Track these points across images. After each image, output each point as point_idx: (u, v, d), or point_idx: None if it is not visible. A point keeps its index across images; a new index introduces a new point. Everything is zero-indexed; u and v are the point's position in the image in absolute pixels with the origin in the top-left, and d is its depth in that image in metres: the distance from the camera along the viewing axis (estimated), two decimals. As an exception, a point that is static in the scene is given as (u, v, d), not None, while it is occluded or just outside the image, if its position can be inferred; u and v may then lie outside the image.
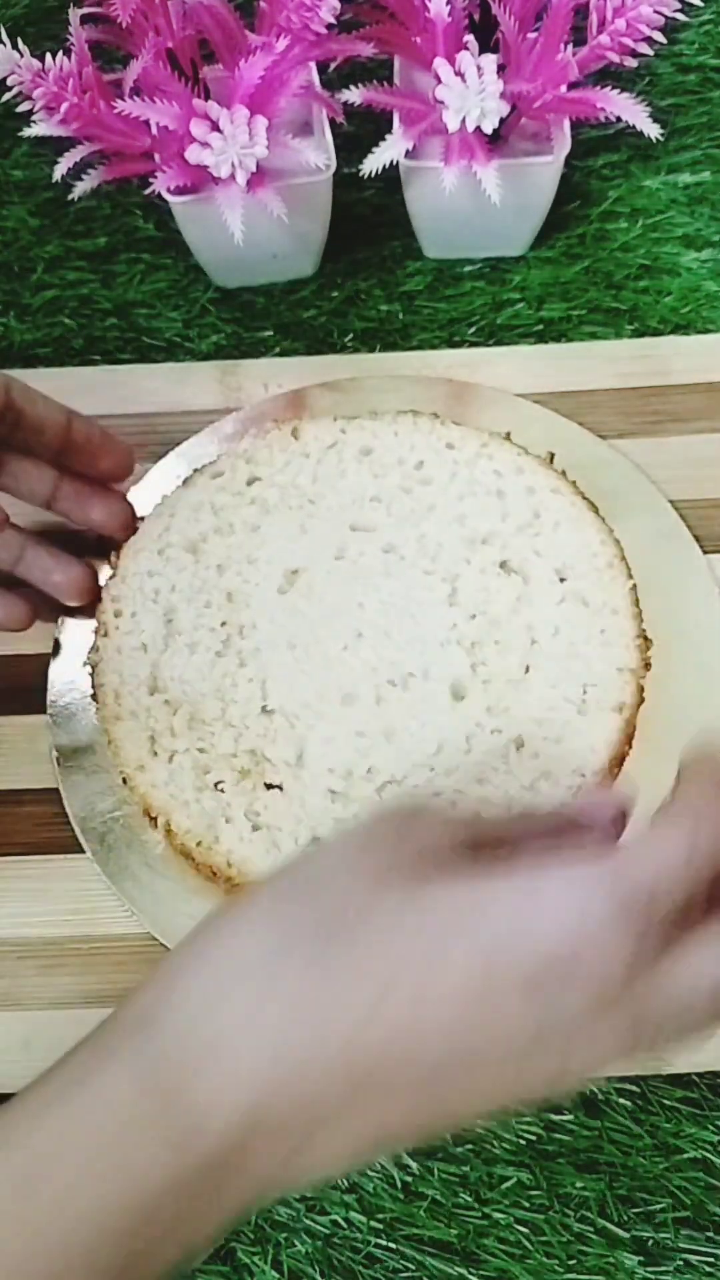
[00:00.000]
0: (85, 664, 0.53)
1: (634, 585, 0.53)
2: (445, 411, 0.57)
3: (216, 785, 0.49)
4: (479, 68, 0.55)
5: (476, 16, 0.57)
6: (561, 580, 0.53)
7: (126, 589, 0.53)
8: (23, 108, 0.56)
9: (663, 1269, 0.46)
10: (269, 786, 0.49)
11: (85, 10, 0.56)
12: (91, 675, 0.52)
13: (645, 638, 0.52)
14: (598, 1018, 0.32)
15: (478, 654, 0.51)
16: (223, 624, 0.52)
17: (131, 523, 0.55)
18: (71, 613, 0.55)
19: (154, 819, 0.50)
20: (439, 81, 0.55)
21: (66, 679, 0.54)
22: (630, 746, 0.51)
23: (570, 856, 0.33)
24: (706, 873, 0.34)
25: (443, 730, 0.50)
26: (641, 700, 0.51)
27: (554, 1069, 0.33)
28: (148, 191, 0.57)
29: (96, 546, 0.55)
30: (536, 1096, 0.35)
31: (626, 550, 0.54)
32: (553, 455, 0.56)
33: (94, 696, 0.52)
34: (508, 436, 0.56)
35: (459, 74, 0.55)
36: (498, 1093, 0.33)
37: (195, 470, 0.56)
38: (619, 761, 0.50)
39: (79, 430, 0.51)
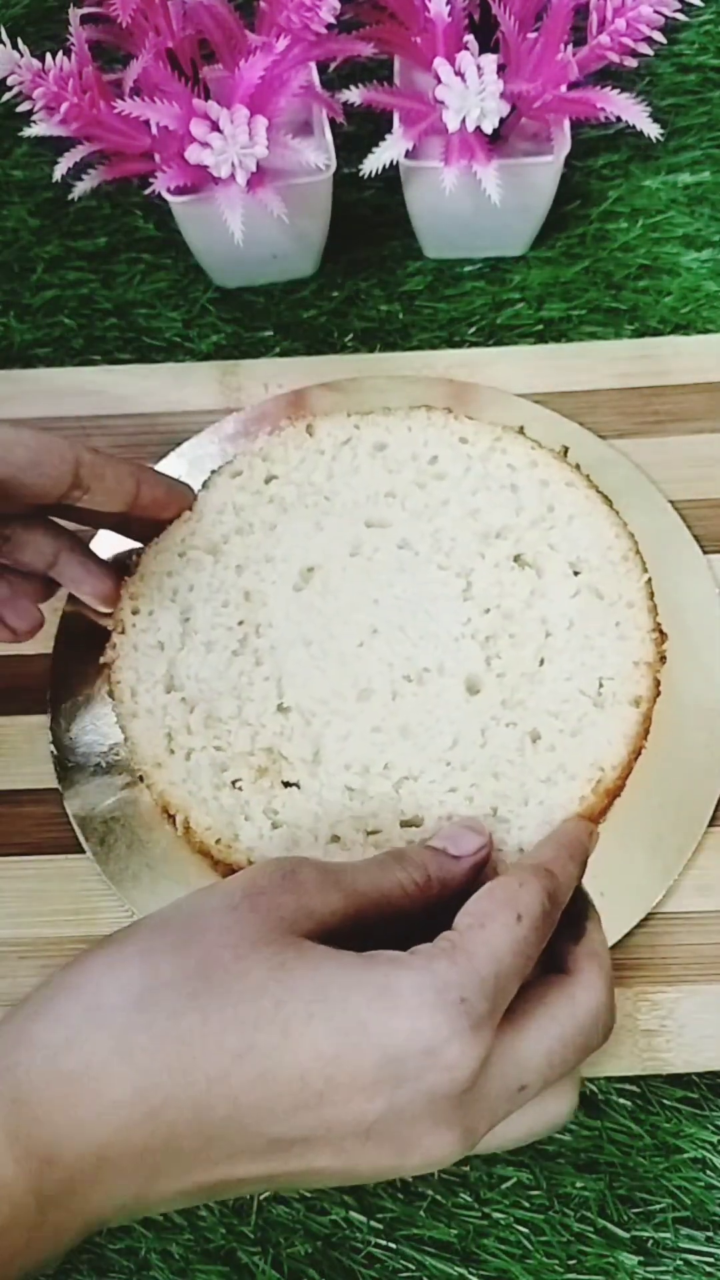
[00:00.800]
0: (101, 660, 0.53)
1: (649, 579, 0.53)
2: None
3: (234, 783, 0.49)
4: (479, 68, 0.55)
5: (476, 16, 0.57)
6: (576, 574, 0.53)
7: (145, 587, 0.53)
8: (23, 108, 0.56)
9: (662, 1269, 0.46)
10: (286, 784, 0.49)
11: (85, 10, 0.56)
12: (108, 672, 0.52)
13: (661, 631, 0.52)
14: (439, 1117, 0.34)
15: (492, 648, 0.51)
16: (240, 623, 0.52)
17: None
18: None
19: (172, 817, 0.49)
20: (439, 81, 0.55)
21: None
22: (645, 741, 0.51)
23: (421, 959, 0.35)
24: (534, 943, 0.37)
25: (458, 725, 0.50)
26: (658, 694, 0.51)
27: (390, 1160, 0.34)
28: (148, 191, 0.57)
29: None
30: (370, 1181, 0.37)
31: None
32: (566, 449, 0.56)
33: (110, 694, 0.52)
34: (521, 430, 0.56)
35: (459, 74, 0.55)
36: (335, 1169, 0.35)
37: (213, 471, 0.56)
38: (636, 755, 0.50)
39: (146, 495, 0.50)
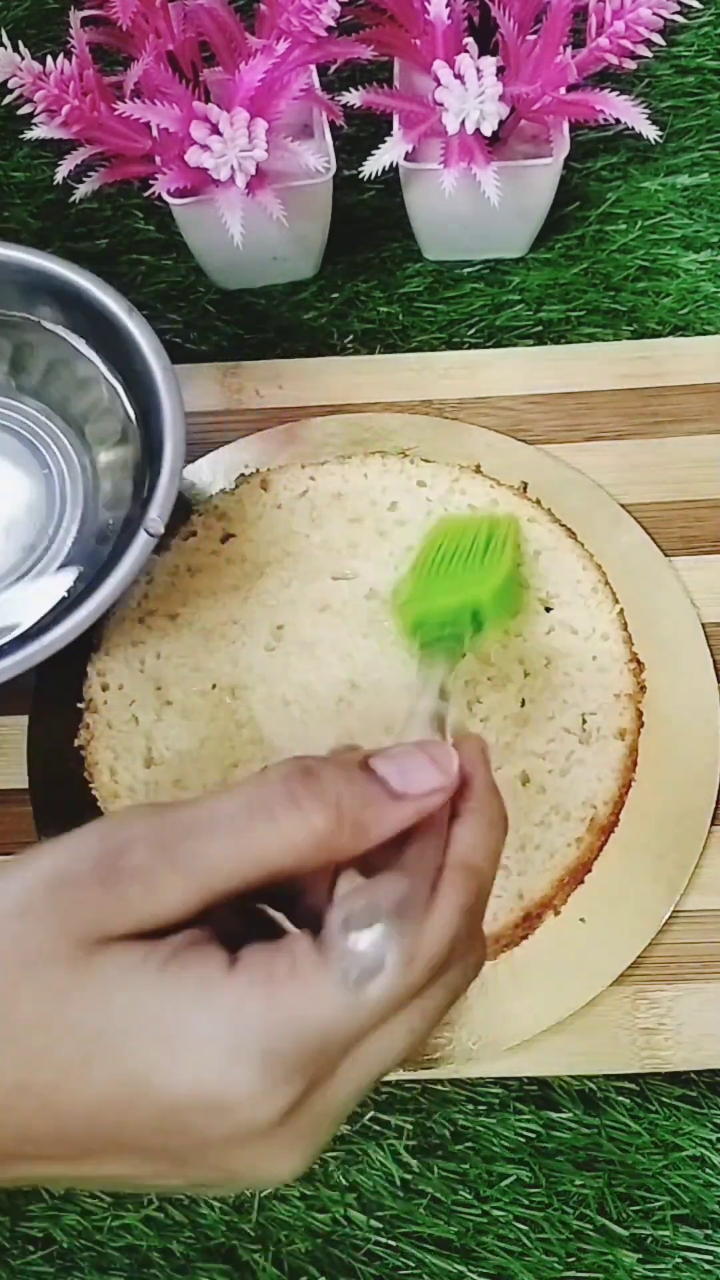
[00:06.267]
0: (75, 744, 0.52)
1: (621, 609, 0.52)
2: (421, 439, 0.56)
3: None
4: (478, 70, 0.55)
5: (476, 19, 0.58)
6: (548, 610, 0.53)
7: (112, 661, 0.52)
8: (24, 110, 0.56)
9: (661, 1266, 0.46)
10: None
11: (86, 12, 0.56)
12: (84, 755, 0.51)
13: (638, 661, 0.52)
14: (252, 1148, 0.30)
15: (472, 693, 0.51)
16: (214, 686, 0.52)
17: None
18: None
19: None
20: (438, 84, 0.56)
21: None
22: (635, 774, 0.51)
23: (237, 987, 0.29)
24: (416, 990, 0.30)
25: None
26: (641, 725, 0.51)
27: (217, 1178, 0.31)
28: (148, 194, 0.57)
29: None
30: (209, 1194, 0.33)
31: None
32: (525, 485, 0.56)
33: (87, 775, 0.51)
34: (478, 469, 0.56)
35: (458, 76, 0.55)
36: (152, 1181, 0.31)
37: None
38: (626, 788, 0.50)
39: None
